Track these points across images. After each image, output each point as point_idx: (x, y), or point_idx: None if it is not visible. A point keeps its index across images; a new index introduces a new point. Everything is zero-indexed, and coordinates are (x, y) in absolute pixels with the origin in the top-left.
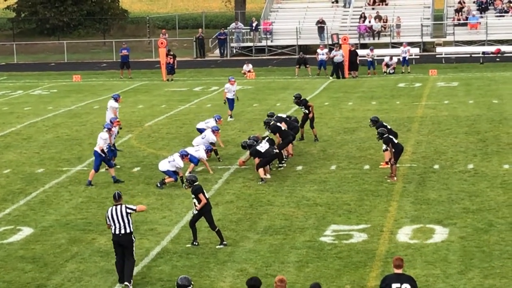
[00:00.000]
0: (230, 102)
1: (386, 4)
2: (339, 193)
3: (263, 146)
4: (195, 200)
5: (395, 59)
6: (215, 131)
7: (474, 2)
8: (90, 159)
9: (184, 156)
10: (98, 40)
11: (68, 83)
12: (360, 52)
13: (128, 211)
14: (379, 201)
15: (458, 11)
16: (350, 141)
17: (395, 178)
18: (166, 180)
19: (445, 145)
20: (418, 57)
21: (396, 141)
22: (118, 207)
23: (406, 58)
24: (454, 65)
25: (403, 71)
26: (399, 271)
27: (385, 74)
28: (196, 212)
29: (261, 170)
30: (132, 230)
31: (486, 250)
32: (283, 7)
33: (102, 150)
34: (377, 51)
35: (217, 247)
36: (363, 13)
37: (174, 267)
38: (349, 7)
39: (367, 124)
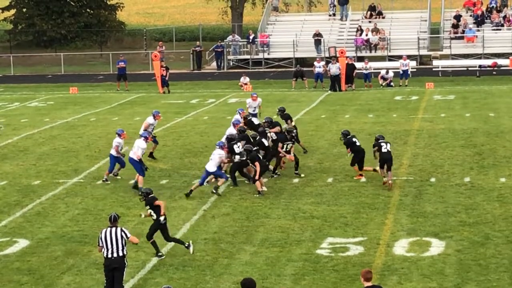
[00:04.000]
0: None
1: (383, 17)
2: (335, 205)
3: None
4: (151, 211)
5: (391, 73)
6: (235, 124)
7: (470, 16)
8: (86, 171)
9: (222, 146)
10: (95, 52)
11: (65, 95)
12: (357, 65)
13: (123, 235)
14: (376, 214)
15: (455, 26)
16: (346, 154)
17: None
18: (219, 184)
19: (442, 158)
20: (415, 70)
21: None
22: (113, 229)
23: (408, 71)
24: (451, 78)
25: (401, 84)
26: (369, 283)
27: (381, 87)
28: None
29: (258, 183)
30: (125, 253)
31: (483, 263)
32: (280, 20)
33: (140, 160)
34: (374, 64)
35: (154, 258)
36: (360, 26)
37: (170, 280)
38: (346, 20)
39: (364, 137)
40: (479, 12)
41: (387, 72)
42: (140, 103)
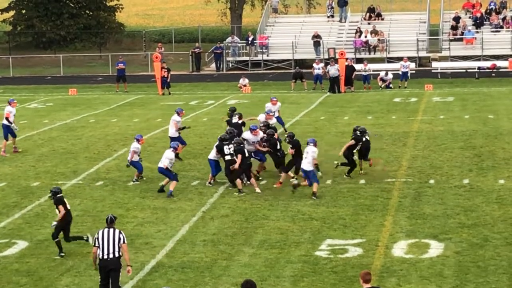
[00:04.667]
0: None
1: (382, 19)
2: (334, 207)
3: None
4: (57, 211)
5: (390, 75)
6: (252, 129)
7: (469, 18)
8: (85, 173)
9: (315, 143)
10: (94, 54)
11: (64, 97)
12: (356, 66)
13: (121, 237)
14: (375, 216)
15: (454, 28)
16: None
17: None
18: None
19: (441, 160)
20: (414, 72)
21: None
22: (111, 230)
23: (408, 73)
24: (450, 80)
25: (400, 85)
26: (368, 285)
27: (380, 89)
28: (55, 223)
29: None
30: (121, 255)
31: (482, 265)
32: (279, 22)
33: (167, 168)
34: (373, 66)
35: (56, 257)
36: (359, 27)
37: (169, 281)
38: (345, 22)
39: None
40: (478, 14)
41: (386, 74)
42: (139, 104)
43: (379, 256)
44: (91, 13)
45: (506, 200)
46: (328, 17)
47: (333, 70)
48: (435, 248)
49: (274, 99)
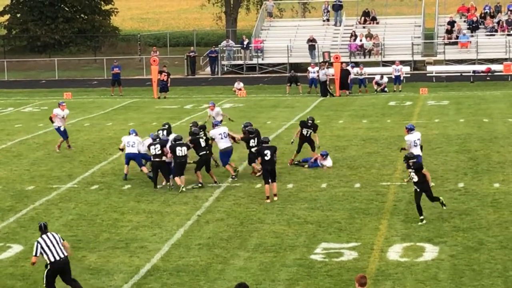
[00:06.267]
0: None
1: (377, 23)
2: (329, 211)
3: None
4: None
5: (385, 79)
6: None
7: (464, 21)
8: (80, 176)
9: None
10: (89, 58)
11: (59, 100)
12: (353, 70)
13: (59, 237)
14: (370, 219)
15: (449, 31)
16: (340, 159)
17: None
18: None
19: (436, 164)
20: (408, 75)
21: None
22: (50, 234)
23: (401, 77)
24: (445, 83)
25: (395, 89)
26: None
27: (375, 92)
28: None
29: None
30: (66, 254)
31: (476, 268)
32: (274, 25)
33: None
34: (368, 70)
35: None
36: (354, 31)
37: (164, 285)
38: (340, 26)
39: (358, 142)
40: (474, 18)
41: (381, 78)
42: (134, 108)
43: (374, 259)
44: (86, 17)
45: (501, 203)
46: (324, 21)
47: (321, 74)
48: (430, 252)
49: (211, 104)
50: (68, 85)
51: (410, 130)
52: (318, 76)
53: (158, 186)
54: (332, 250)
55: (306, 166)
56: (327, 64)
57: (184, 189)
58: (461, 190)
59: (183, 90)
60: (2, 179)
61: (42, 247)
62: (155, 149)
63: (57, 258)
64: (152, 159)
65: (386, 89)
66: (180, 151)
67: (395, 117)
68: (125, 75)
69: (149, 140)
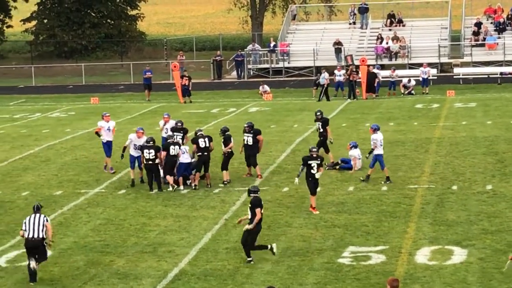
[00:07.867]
0: None
1: (403, 25)
2: (357, 214)
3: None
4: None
5: (413, 82)
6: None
7: (491, 23)
8: (108, 181)
9: None
10: (115, 63)
11: (86, 106)
12: (383, 73)
13: (44, 221)
14: (397, 223)
15: (476, 33)
16: (367, 162)
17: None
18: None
19: (463, 166)
20: (435, 78)
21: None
22: (37, 215)
23: (428, 79)
24: (472, 85)
25: (423, 92)
26: None
27: (402, 95)
28: None
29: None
30: (44, 236)
31: (506, 271)
32: (300, 29)
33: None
34: (399, 73)
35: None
36: (380, 34)
37: None
38: (366, 28)
39: (385, 145)
40: (501, 19)
41: (409, 81)
42: (161, 113)
43: (402, 263)
44: (112, 22)
45: None
46: (350, 23)
47: (321, 78)
48: (459, 255)
49: (166, 116)
50: (95, 90)
51: (375, 130)
52: (345, 79)
53: (154, 190)
54: (360, 253)
55: (338, 167)
56: (351, 67)
57: (173, 189)
58: (489, 192)
59: (209, 94)
60: (30, 184)
61: (25, 223)
62: (149, 153)
63: (30, 236)
64: (145, 162)
65: (413, 91)
66: (173, 150)
67: (422, 120)
68: (152, 80)
69: (142, 140)
